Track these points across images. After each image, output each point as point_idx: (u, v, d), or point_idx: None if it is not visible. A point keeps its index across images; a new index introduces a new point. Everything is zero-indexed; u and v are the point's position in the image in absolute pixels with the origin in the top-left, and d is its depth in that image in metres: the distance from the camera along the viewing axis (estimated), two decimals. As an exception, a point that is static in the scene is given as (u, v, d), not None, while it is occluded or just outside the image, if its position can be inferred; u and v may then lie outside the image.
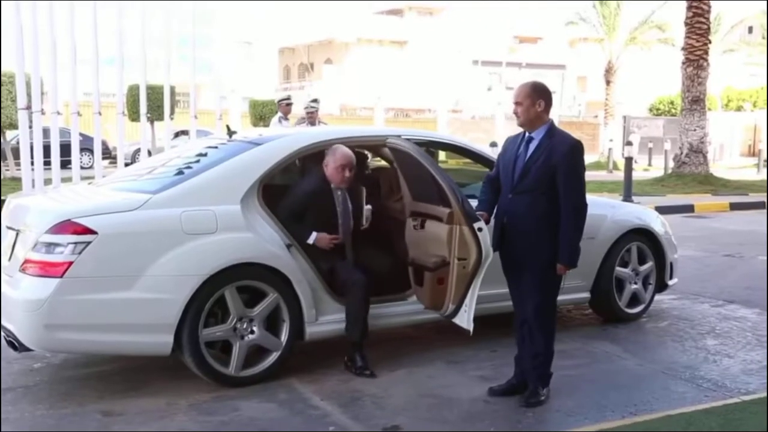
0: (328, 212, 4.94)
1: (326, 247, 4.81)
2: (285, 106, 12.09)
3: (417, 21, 57.73)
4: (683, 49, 19.39)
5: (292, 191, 4.99)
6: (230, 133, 5.33)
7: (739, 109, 45.09)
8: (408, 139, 4.99)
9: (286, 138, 5.07)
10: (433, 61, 51.24)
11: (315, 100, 11.65)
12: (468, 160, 6.03)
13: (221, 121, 12.14)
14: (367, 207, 5.17)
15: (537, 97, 4.14)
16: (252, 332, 4.50)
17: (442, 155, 6.53)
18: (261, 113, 27.39)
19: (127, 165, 10.65)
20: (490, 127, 36.09)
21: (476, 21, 53.71)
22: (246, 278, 4.50)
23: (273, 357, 4.60)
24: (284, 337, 4.61)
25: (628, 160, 15.29)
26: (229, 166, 4.76)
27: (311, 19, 52.31)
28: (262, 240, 4.56)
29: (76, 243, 4.06)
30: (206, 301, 4.33)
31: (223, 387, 4.41)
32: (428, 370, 4.81)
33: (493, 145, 18.03)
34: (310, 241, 4.75)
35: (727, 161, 30.54)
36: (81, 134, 11.20)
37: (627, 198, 14.41)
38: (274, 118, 12.47)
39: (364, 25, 54.16)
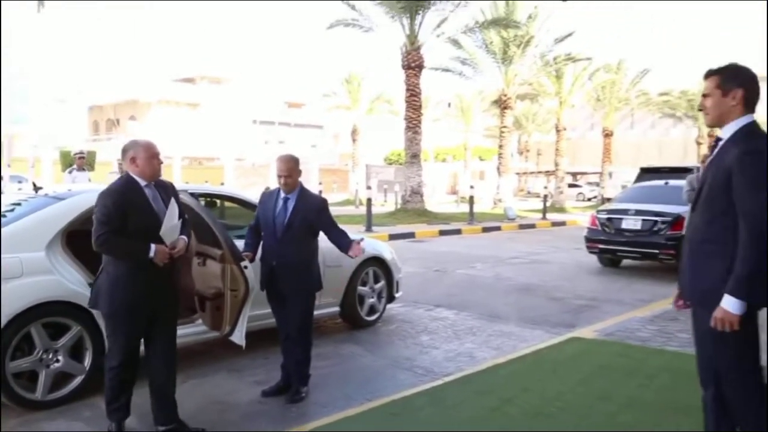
0: (148, 214, 3.51)
1: (163, 262, 3.46)
2: (78, 159, 11.48)
3: (208, 88, 56.20)
4: (404, 119, 20.64)
5: (97, 202, 3.48)
6: (36, 189, 4.83)
7: (444, 161, 48.97)
8: (192, 193, 4.81)
9: (87, 194, 4.68)
10: (221, 120, 50.20)
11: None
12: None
13: (33, 168, 10.98)
14: (182, 237, 3.67)
15: (296, 167, 4.24)
16: (57, 361, 4.07)
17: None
18: (71, 161, 25.01)
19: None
20: (266, 173, 35.86)
21: (255, 89, 53.64)
22: (51, 315, 4.06)
23: (78, 380, 4.18)
24: (88, 362, 4.21)
25: (368, 200, 15.94)
26: (34, 218, 4.31)
27: (117, 82, 49.10)
28: (65, 281, 4.16)
29: None
30: (12, 337, 3.85)
31: (31, 411, 3.91)
32: (214, 380, 4.62)
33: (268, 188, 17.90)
34: (151, 254, 3.41)
35: (437, 199, 32.65)
36: None
37: (369, 228, 14.97)
38: (67, 170, 11.83)
39: (163, 89, 51.72)
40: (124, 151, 3.57)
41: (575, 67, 29.11)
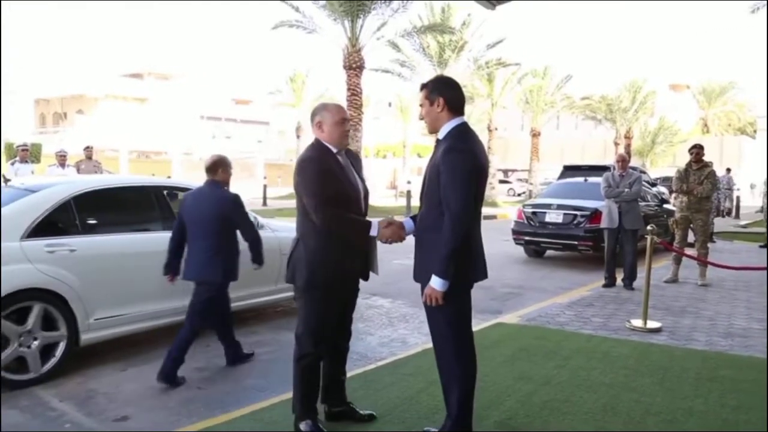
0: (345, 183, 3.06)
1: (393, 239, 3.11)
2: (21, 151, 11.04)
3: (155, 83, 54.35)
4: (347, 117, 20.59)
5: (302, 178, 2.98)
6: (5, 180, 4.66)
7: (384, 157, 49.16)
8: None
9: (60, 186, 4.58)
10: (168, 115, 48.69)
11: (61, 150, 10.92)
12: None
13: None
14: None
15: (225, 166, 4.40)
16: (35, 339, 4.13)
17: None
18: (14, 153, 23.85)
19: None
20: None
21: (203, 85, 52.41)
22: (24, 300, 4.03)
23: (62, 345, 4.25)
24: (63, 328, 4.24)
25: (311, 194, 15.79)
26: (7, 210, 4.17)
27: (64, 75, 46.87)
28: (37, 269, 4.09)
29: None
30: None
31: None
32: (157, 366, 4.45)
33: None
34: (374, 231, 3.08)
35: (378, 193, 32.72)
36: None
37: (311, 221, 14.84)
38: (9, 162, 11.35)
39: (110, 84, 49.73)
40: (312, 115, 3.11)
41: (505, 72, 29.71)
